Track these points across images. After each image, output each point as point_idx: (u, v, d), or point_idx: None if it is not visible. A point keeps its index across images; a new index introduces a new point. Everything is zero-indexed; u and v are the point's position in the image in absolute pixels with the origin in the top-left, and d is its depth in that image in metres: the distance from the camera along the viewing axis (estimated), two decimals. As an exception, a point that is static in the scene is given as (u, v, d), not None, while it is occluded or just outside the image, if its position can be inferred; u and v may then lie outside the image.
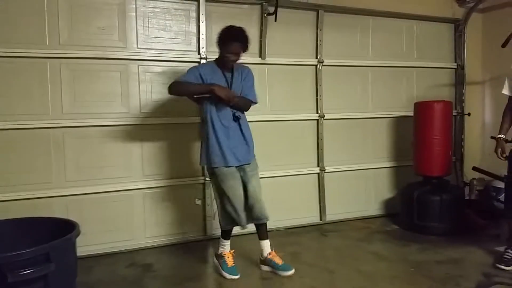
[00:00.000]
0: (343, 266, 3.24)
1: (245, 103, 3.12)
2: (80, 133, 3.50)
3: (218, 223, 3.21)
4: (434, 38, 4.90)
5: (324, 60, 4.34)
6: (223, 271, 3.08)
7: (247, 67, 3.23)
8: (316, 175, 4.43)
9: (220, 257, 3.16)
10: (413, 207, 4.05)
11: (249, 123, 3.81)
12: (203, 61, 3.82)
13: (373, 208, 4.69)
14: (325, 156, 4.42)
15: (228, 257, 3.13)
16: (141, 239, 3.72)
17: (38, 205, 3.35)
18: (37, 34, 3.34)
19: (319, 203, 4.44)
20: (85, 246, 3.28)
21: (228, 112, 3.04)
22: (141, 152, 3.71)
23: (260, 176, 4.06)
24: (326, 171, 4.42)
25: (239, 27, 3.01)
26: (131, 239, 3.69)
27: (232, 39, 2.94)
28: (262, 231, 3.18)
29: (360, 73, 4.58)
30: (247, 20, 4.04)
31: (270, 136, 4.17)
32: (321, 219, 4.43)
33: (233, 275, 3.05)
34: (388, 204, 4.74)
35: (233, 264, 3.11)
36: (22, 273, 1.81)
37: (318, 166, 4.41)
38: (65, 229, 2.16)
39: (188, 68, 3.11)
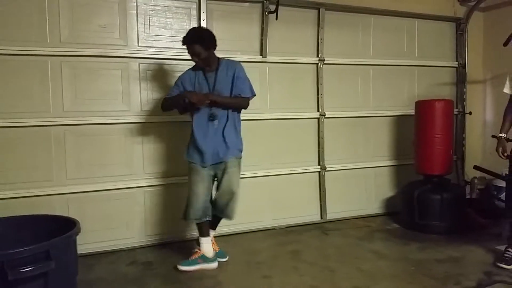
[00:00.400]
0: (344, 264, 3.24)
1: (235, 102, 3.16)
2: (81, 131, 3.51)
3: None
4: (435, 37, 4.89)
5: (325, 59, 4.33)
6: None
7: (235, 61, 3.25)
8: (317, 173, 4.43)
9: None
10: (414, 206, 4.05)
11: (250, 122, 3.83)
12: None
13: (373, 207, 4.69)
14: (326, 155, 4.42)
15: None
16: (142, 237, 3.73)
17: (39, 203, 3.35)
18: (38, 32, 3.35)
19: (320, 201, 4.44)
20: (85, 244, 3.30)
21: (204, 111, 3.11)
22: (142, 150, 3.71)
23: (261, 174, 4.12)
24: (327, 169, 4.42)
25: (192, 28, 3.15)
26: (132, 237, 3.69)
27: (184, 43, 3.06)
28: (214, 223, 3.33)
29: (361, 72, 4.57)
30: (248, 18, 4.04)
31: (271, 135, 4.17)
32: (321, 218, 4.43)
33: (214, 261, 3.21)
34: (388, 202, 4.73)
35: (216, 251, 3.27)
36: (22, 270, 1.81)
37: (319, 164, 4.41)
38: (66, 226, 2.17)
39: (184, 70, 3.27)
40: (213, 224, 3.35)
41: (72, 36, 3.44)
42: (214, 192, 3.25)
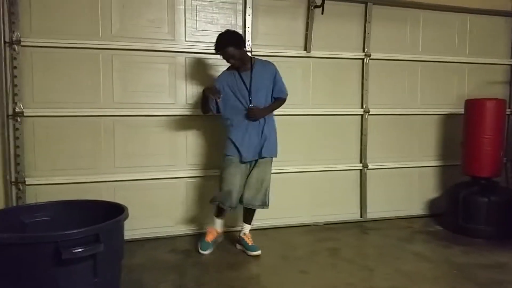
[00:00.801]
0: (383, 264, 3.19)
1: (277, 106, 3.44)
2: (129, 122, 3.64)
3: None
4: (488, 33, 4.67)
5: (372, 54, 4.25)
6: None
7: (269, 61, 3.42)
8: (359, 171, 4.37)
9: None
10: (459, 208, 3.92)
11: (292, 117, 3.85)
12: (248, 54, 3.84)
13: (416, 208, 4.57)
14: (368, 152, 4.35)
15: (210, 232, 3.44)
16: (182, 226, 3.84)
17: (87, 189, 3.52)
18: (91, 26, 3.50)
19: (360, 200, 4.38)
20: (129, 230, 3.41)
21: (243, 111, 3.30)
22: (186, 142, 3.81)
23: (302, 170, 4.13)
24: (369, 167, 4.35)
25: (219, 35, 3.24)
26: (172, 225, 3.81)
27: (218, 51, 3.22)
28: (248, 216, 3.51)
29: (409, 68, 4.45)
30: (293, 12, 4.03)
31: (313, 131, 4.16)
32: (361, 216, 4.38)
33: (202, 249, 3.38)
34: (432, 204, 4.60)
35: (209, 241, 3.40)
36: (74, 251, 1.92)
37: (360, 162, 4.35)
38: (115, 212, 2.27)
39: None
40: (247, 218, 3.50)
41: (122, 30, 3.58)
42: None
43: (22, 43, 3.32)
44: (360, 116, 4.32)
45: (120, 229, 2.28)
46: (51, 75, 3.43)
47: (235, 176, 3.30)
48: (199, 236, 3.77)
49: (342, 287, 2.81)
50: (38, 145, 3.43)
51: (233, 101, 3.32)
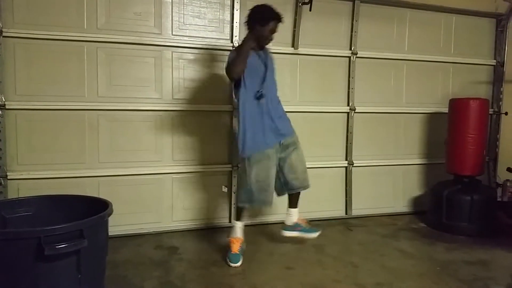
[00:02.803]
0: (368, 261, 3.22)
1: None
2: (113, 116, 3.59)
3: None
4: (473, 33, 4.74)
5: (358, 52, 4.27)
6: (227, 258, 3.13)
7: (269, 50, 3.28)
8: (344, 168, 4.40)
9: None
10: (442, 206, 3.97)
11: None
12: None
13: (400, 205, 4.62)
14: (354, 150, 4.37)
15: (234, 243, 3.17)
16: (168, 222, 3.81)
17: (71, 184, 3.46)
18: (76, 18, 3.43)
19: (345, 197, 4.41)
20: (114, 226, 3.36)
21: (253, 98, 3.05)
22: (172, 138, 3.77)
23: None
24: (354, 165, 4.38)
25: (271, 5, 3.06)
26: (158, 221, 3.77)
27: (274, 19, 3.00)
28: (294, 201, 3.39)
29: (394, 67, 4.49)
30: (281, 9, 3.93)
31: (299, 128, 4.10)
32: (346, 213, 4.41)
33: (233, 263, 3.07)
34: (416, 201, 4.66)
35: (237, 252, 3.13)
36: (58, 247, 1.88)
37: (346, 159, 4.38)
38: (99, 207, 2.23)
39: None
40: (294, 203, 3.39)
41: (108, 23, 3.52)
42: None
43: (4, 34, 3.23)
44: (346, 113, 4.35)
45: (104, 225, 2.24)
46: (34, 67, 3.35)
47: (270, 170, 3.08)
48: (185, 232, 3.75)
49: (328, 283, 2.82)
50: (21, 138, 3.36)
51: (250, 78, 3.02)
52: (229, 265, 3.06)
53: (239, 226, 3.22)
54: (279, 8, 3.93)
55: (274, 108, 3.13)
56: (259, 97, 3.03)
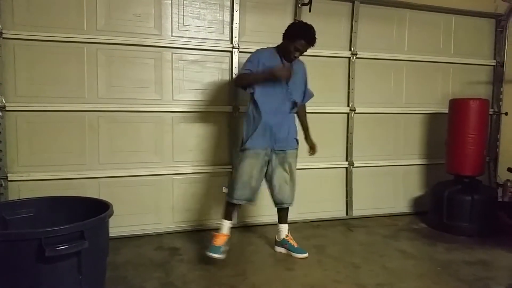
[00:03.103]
0: (368, 261, 3.22)
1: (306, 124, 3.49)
2: (113, 118, 3.59)
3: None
4: (473, 34, 4.75)
5: (358, 53, 4.28)
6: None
7: (302, 61, 3.32)
8: (344, 169, 4.40)
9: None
10: (443, 206, 3.97)
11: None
12: (235, 50, 3.84)
13: (401, 206, 4.62)
14: (354, 151, 4.38)
15: (218, 237, 3.14)
16: (169, 223, 3.80)
17: (72, 185, 3.46)
18: (76, 19, 3.43)
19: (346, 197, 4.41)
20: (114, 227, 3.37)
21: (279, 93, 3.16)
22: (172, 139, 3.77)
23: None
24: (355, 165, 4.38)
25: (312, 27, 3.08)
26: (159, 222, 3.77)
27: (307, 41, 3.04)
28: (283, 216, 3.39)
29: (394, 67, 4.49)
30: (281, 10, 4.02)
31: (299, 128, 4.14)
32: (347, 214, 4.41)
33: (212, 253, 3.05)
34: (416, 202, 4.66)
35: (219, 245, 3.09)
36: (58, 248, 1.88)
37: (346, 160, 4.38)
38: (99, 209, 2.23)
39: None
40: (283, 218, 3.38)
41: (108, 24, 3.52)
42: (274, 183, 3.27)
43: (4, 36, 3.24)
44: (346, 114, 4.35)
45: (105, 226, 2.25)
46: (34, 68, 3.35)
47: (255, 168, 3.12)
48: (185, 233, 3.75)
49: (328, 284, 2.82)
50: (21, 140, 3.36)
51: (268, 86, 3.08)
52: (209, 256, 3.02)
53: (225, 224, 3.19)
54: (278, 9, 3.98)
55: (286, 119, 3.22)
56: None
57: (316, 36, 3.07)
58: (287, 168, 3.25)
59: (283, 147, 3.21)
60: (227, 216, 3.21)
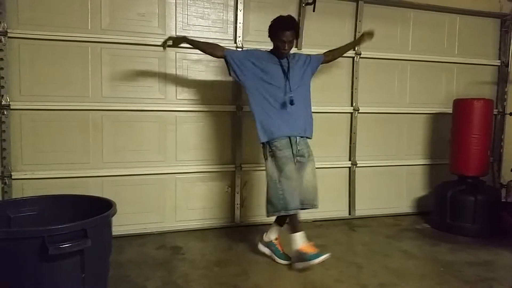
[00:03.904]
0: (371, 261, 3.21)
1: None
2: (117, 117, 3.60)
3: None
4: (477, 34, 4.73)
5: (362, 52, 4.27)
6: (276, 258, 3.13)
7: (298, 52, 3.36)
8: (347, 169, 4.39)
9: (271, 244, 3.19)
10: (446, 207, 3.96)
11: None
12: (239, 50, 3.84)
13: (404, 206, 4.61)
14: (357, 151, 4.37)
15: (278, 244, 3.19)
16: (171, 222, 3.81)
17: (75, 184, 3.47)
18: (80, 18, 3.45)
19: (349, 197, 4.41)
20: (117, 226, 3.37)
21: (279, 98, 3.10)
22: (175, 138, 3.78)
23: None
24: (358, 165, 4.37)
25: (288, 15, 3.10)
26: (162, 221, 3.78)
27: (283, 28, 3.01)
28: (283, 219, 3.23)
29: (398, 67, 4.48)
30: (285, 9, 3.99)
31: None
32: (350, 214, 4.40)
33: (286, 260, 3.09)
34: (420, 202, 4.64)
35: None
36: (62, 246, 1.89)
37: (349, 160, 4.37)
38: (103, 207, 2.24)
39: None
40: (283, 221, 3.22)
41: (112, 23, 3.53)
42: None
43: (9, 35, 3.25)
44: (349, 114, 4.34)
45: (108, 225, 2.25)
46: (39, 67, 3.37)
47: (293, 172, 3.00)
48: (188, 232, 3.76)
49: (331, 283, 2.82)
50: (25, 138, 3.38)
51: (266, 88, 3.06)
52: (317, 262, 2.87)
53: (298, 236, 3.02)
54: (282, 8, 3.96)
55: (301, 109, 3.14)
56: (289, 102, 3.04)
57: (292, 20, 3.07)
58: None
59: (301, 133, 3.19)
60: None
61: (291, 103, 3.04)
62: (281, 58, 3.13)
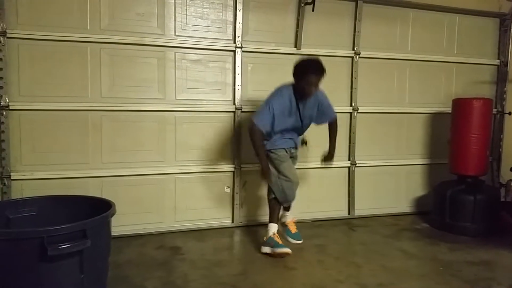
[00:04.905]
0: (370, 261, 3.22)
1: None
2: (117, 117, 3.60)
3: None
4: (476, 33, 4.73)
5: (361, 52, 4.27)
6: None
7: (319, 90, 3.30)
8: (347, 169, 4.39)
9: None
10: (446, 206, 3.97)
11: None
12: (238, 50, 3.84)
13: (403, 205, 4.62)
14: (356, 150, 4.37)
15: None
16: (171, 222, 3.81)
17: (75, 184, 3.47)
18: (79, 19, 3.44)
19: (348, 197, 4.41)
20: (116, 226, 3.38)
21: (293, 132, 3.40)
22: (175, 138, 3.78)
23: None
24: (357, 165, 4.38)
25: (317, 58, 3.17)
26: (161, 222, 3.78)
27: (313, 72, 3.08)
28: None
29: (398, 67, 4.48)
30: (283, 9, 4.02)
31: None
32: (349, 214, 4.41)
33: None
34: (419, 202, 4.65)
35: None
36: (61, 247, 1.90)
37: (349, 160, 4.37)
38: (102, 208, 2.24)
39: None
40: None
41: (111, 23, 3.53)
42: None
43: (8, 35, 3.25)
44: (349, 114, 4.34)
45: (107, 225, 2.26)
46: (38, 68, 3.37)
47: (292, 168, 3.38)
48: (187, 233, 3.76)
49: (330, 283, 2.82)
50: (24, 139, 3.37)
51: (285, 121, 3.23)
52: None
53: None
54: (281, 8, 3.98)
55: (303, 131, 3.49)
56: (304, 143, 3.56)
57: (324, 66, 3.13)
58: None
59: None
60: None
61: (299, 133, 3.45)
62: (302, 100, 3.20)
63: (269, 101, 3.16)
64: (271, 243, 3.25)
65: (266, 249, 3.28)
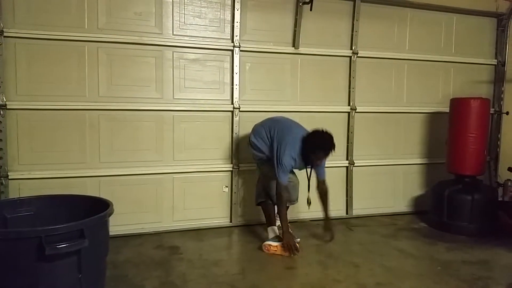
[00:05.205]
0: (368, 261, 3.22)
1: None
2: (114, 116, 3.59)
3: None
4: (474, 33, 4.74)
5: (359, 52, 4.27)
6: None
7: None
8: (345, 168, 4.40)
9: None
10: (443, 206, 3.98)
11: (280, 114, 3.82)
12: (236, 49, 3.84)
13: (401, 205, 4.62)
14: (354, 150, 4.37)
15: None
16: (169, 222, 3.81)
17: (72, 184, 3.47)
18: (77, 18, 3.44)
19: (346, 196, 4.41)
20: (114, 226, 3.37)
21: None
22: (172, 137, 3.77)
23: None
24: (355, 165, 4.38)
25: (330, 137, 3.23)
26: (159, 221, 3.78)
27: (326, 153, 3.25)
28: None
29: (395, 66, 4.49)
30: (282, 8, 4.02)
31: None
32: (347, 213, 4.41)
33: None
34: (417, 201, 4.66)
35: None
36: (59, 246, 1.89)
37: (347, 159, 4.38)
38: (99, 207, 2.23)
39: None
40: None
41: (109, 22, 3.52)
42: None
43: (5, 34, 3.24)
44: (347, 113, 4.35)
45: (105, 225, 2.25)
46: (35, 67, 3.36)
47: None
48: (185, 232, 3.76)
49: (328, 283, 2.82)
50: (22, 138, 3.36)
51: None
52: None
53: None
54: (279, 8, 3.97)
55: None
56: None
57: (335, 144, 3.23)
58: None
59: None
60: None
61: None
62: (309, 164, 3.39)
63: (282, 161, 3.25)
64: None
65: (271, 243, 3.35)
